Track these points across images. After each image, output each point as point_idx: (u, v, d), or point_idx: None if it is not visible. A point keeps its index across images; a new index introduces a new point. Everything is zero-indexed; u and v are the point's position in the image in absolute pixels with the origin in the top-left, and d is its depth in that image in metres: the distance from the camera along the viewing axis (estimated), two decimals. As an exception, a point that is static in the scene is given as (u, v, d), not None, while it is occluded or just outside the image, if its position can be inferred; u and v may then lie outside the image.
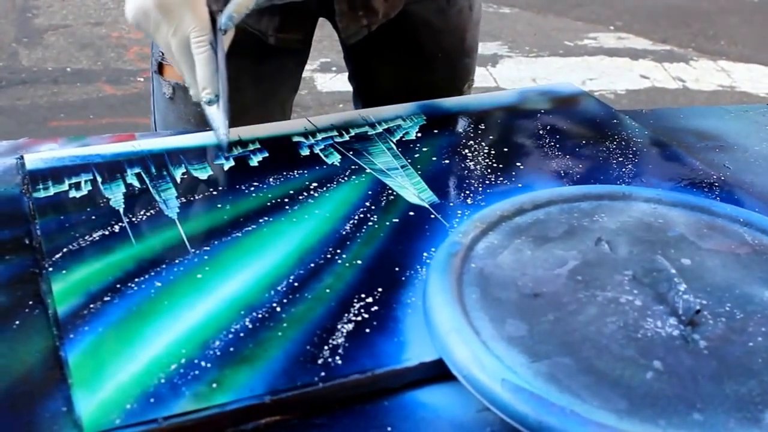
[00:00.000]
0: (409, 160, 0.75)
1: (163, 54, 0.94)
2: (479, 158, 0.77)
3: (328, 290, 0.57)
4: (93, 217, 0.64)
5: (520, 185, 0.72)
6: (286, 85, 1.03)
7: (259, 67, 0.96)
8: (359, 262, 0.60)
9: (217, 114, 0.76)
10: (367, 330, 0.53)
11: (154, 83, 0.99)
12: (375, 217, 0.66)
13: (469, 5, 1.02)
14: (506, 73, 3.33)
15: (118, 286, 0.56)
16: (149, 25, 0.74)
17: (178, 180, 0.70)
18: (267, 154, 0.76)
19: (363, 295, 0.56)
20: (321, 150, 0.77)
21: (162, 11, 0.72)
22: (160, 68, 0.96)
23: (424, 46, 0.99)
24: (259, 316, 0.54)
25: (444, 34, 1.01)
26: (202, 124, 0.95)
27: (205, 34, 0.72)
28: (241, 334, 0.52)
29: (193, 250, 0.60)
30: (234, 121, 0.94)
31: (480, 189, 0.71)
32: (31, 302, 0.55)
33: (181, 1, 0.71)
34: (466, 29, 1.03)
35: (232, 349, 0.51)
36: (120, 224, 0.63)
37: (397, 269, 0.59)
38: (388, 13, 0.94)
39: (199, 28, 0.72)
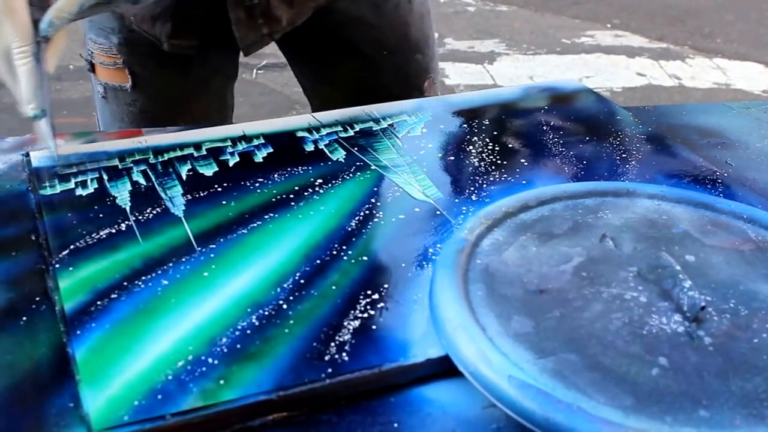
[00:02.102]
0: (414, 157, 0.76)
1: (92, 53, 0.94)
2: (483, 155, 0.77)
3: (334, 287, 0.57)
4: (100, 215, 0.64)
5: (524, 182, 0.72)
6: (217, 75, 1.01)
7: (183, 64, 0.94)
8: (365, 258, 0.60)
9: (44, 128, 0.71)
10: (374, 326, 0.53)
11: (92, 82, 0.98)
12: (380, 213, 0.66)
13: None
14: (503, 71, 3.34)
15: (125, 283, 0.56)
16: None
17: (184, 177, 0.71)
18: (271, 150, 0.76)
19: (369, 292, 0.56)
20: (326, 146, 0.77)
21: None
22: (92, 67, 0.95)
23: (361, 45, 0.96)
24: (266, 313, 0.54)
25: (382, 31, 0.97)
26: (135, 122, 0.95)
27: (27, 45, 0.67)
28: (248, 331, 0.52)
29: (199, 248, 0.61)
30: (169, 118, 0.94)
31: (485, 185, 0.71)
32: (37, 298, 0.55)
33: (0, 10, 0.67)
34: (407, 23, 0.99)
35: (239, 346, 0.51)
36: (126, 222, 0.63)
37: (402, 266, 0.60)
38: (294, 20, 0.90)
39: (20, 39, 0.67)
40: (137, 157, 0.73)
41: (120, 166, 0.72)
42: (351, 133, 0.80)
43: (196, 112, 0.95)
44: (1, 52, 0.68)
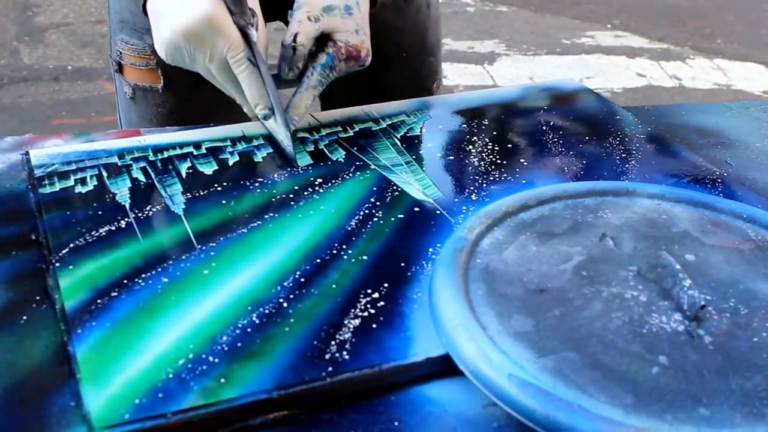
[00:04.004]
0: (414, 156, 0.76)
1: (121, 53, 0.94)
2: (483, 154, 0.77)
3: (334, 286, 0.57)
4: (99, 213, 0.64)
5: (524, 181, 0.72)
6: None
7: None
8: (365, 257, 0.60)
9: (276, 126, 0.76)
10: (374, 325, 0.53)
11: (116, 83, 0.99)
12: (380, 213, 0.66)
13: (426, 3, 1.01)
14: (504, 72, 3.34)
15: (125, 281, 0.56)
16: (185, 58, 0.74)
17: (184, 175, 0.71)
18: (271, 150, 0.76)
19: (369, 291, 0.56)
20: (325, 146, 0.77)
21: (192, 42, 0.72)
22: (120, 68, 0.96)
23: (384, 48, 0.97)
24: (266, 311, 0.54)
25: (404, 34, 1.00)
26: (164, 123, 0.96)
27: (241, 51, 0.72)
28: (249, 330, 0.52)
29: (199, 246, 0.61)
30: (198, 119, 0.94)
31: (484, 185, 0.71)
32: (38, 298, 0.55)
33: (207, 26, 0.71)
34: (425, 27, 1.02)
35: (239, 344, 0.51)
36: (126, 219, 0.64)
37: (402, 265, 0.60)
38: None
39: (233, 48, 0.72)
40: (137, 155, 0.73)
41: (119, 164, 0.72)
42: (350, 133, 0.80)
43: (223, 114, 0.95)
44: (220, 65, 0.73)
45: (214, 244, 0.61)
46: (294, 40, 0.75)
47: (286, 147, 0.75)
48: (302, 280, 0.57)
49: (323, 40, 0.77)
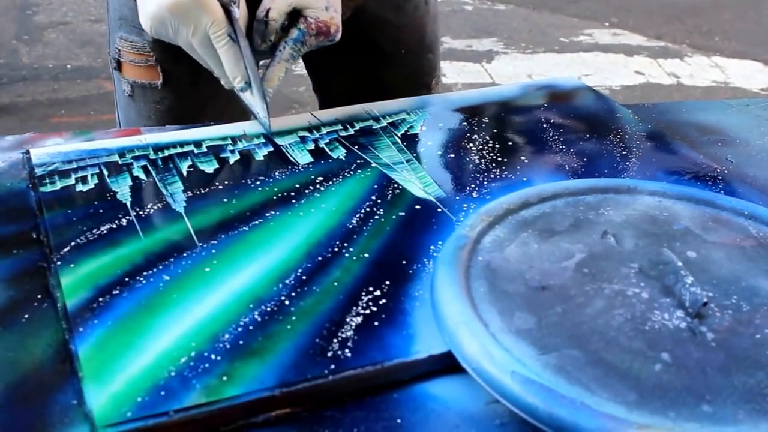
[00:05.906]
0: (414, 154, 0.76)
1: (119, 51, 0.94)
2: (484, 152, 0.77)
3: (336, 283, 0.57)
4: (100, 211, 0.64)
5: (525, 179, 0.72)
6: None
7: None
8: (366, 255, 0.60)
9: (252, 99, 0.79)
10: (376, 323, 0.53)
11: (114, 80, 0.99)
12: (381, 210, 0.66)
13: (425, 0, 1.02)
14: (502, 70, 3.34)
15: (127, 279, 0.56)
16: (168, 31, 0.76)
17: (185, 173, 0.71)
18: (272, 148, 0.76)
19: (371, 288, 0.56)
20: (326, 144, 0.77)
21: (178, 16, 0.74)
22: (119, 65, 0.96)
23: (383, 45, 0.99)
24: (268, 309, 0.54)
25: (402, 31, 1.00)
26: (162, 120, 0.96)
27: (222, 28, 0.75)
28: (251, 328, 0.52)
29: (200, 244, 0.60)
30: (195, 115, 0.95)
31: (485, 182, 0.71)
32: (39, 296, 0.55)
33: (192, 2, 0.74)
34: (424, 24, 1.03)
35: (241, 342, 0.51)
36: (127, 218, 0.63)
37: (404, 262, 0.60)
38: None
39: (216, 24, 0.74)
40: (137, 153, 0.73)
41: (120, 162, 0.72)
42: (351, 131, 0.80)
43: (222, 110, 0.96)
44: (202, 40, 0.76)
45: (215, 242, 0.61)
46: (266, 15, 0.78)
47: (261, 118, 0.79)
48: (304, 277, 0.57)
49: (295, 15, 0.80)
